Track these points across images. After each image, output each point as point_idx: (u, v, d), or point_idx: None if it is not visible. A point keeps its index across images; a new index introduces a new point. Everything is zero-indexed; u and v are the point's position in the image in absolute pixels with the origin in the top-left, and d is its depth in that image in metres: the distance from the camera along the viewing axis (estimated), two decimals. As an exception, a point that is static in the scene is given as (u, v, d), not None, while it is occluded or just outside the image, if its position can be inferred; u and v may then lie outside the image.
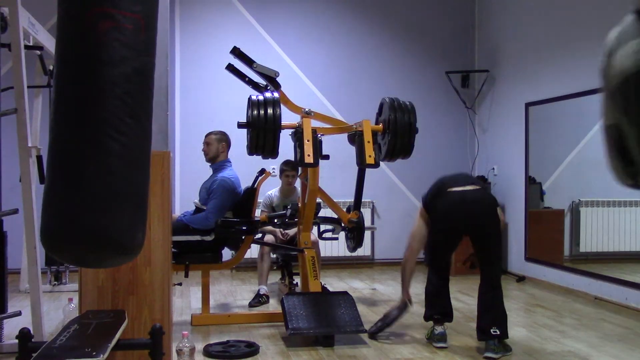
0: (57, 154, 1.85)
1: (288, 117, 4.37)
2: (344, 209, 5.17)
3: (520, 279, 6.49)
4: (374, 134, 4.35)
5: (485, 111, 7.48)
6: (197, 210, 4.71)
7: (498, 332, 3.75)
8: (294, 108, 4.49)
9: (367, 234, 6.84)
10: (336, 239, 5.53)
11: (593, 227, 6.02)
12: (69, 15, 1.84)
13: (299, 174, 5.02)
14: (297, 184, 5.45)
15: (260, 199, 5.47)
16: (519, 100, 6.72)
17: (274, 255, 5.67)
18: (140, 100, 1.88)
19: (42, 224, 1.86)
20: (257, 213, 5.01)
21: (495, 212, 3.99)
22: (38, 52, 5.14)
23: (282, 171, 5.59)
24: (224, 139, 4.80)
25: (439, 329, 4.03)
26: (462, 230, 4.04)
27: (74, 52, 1.83)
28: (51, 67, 5.37)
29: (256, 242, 5.00)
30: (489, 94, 7.40)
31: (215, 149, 4.76)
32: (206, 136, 4.85)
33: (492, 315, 3.83)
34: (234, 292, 5.83)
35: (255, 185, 4.78)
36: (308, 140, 4.12)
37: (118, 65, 1.81)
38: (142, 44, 1.87)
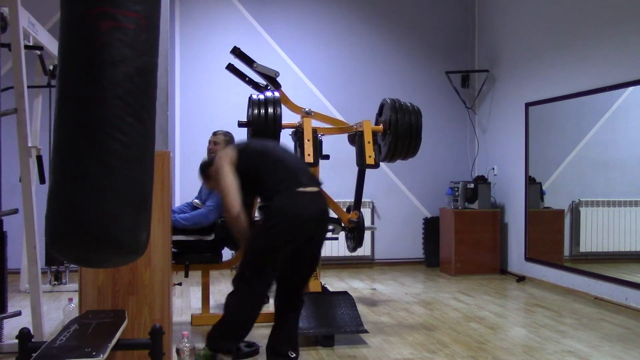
0: (61, 154, 1.85)
1: (288, 117, 4.37)
2: (344, 209, 5.17)
3: (520, 279, 6.49)
4: (374, 134, 4.35)
5: (485, 111, 7.48)
6: (197, 209, 4.71)
7: (294, 355, 3.42)
8: (294, 108, 4.49)
9: (367, 234, 6.85)
10: (336, 239, 5.52)
11: (593, 227, 6.02)
12: (71, 15, 1.84)
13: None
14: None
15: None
16: (519, 100, 6.72)
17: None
18: (143, 100, 1.88)
19: (46, 223, 1.86)
20: (257, 213, 5.00)
21: None
22: (38, 52, 5.14)
23: None
24: (230, 140, 4.80)
25: None
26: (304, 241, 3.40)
27: (76, 52, 1.83)
28: (51, 67, 5.37)
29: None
30: (489, 94, 7.40)
31: (223, 148, 4.75)
32: (214, 134, 4.83)
33: (288, 336, 3.47)
34: (234, 292, 5.82)
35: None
36: (308, 140, 4.12)
37: (120, 65, 1.81)
38: (143, 43, 1.87)
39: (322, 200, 3.50)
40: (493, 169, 7.24)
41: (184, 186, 6.73)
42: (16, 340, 2.64)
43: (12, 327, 4.04)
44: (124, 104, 1.82)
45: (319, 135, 4.40)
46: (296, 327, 3.57)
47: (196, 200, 4.82)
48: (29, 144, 3.70)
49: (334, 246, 6.91)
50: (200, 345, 3.91)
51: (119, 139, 1.81)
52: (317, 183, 3.53)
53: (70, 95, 1.84)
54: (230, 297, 3.34)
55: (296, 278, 3.50)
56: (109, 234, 1.82)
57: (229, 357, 3.34)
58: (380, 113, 4.62)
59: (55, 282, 5.77)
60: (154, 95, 1.96)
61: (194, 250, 4.56)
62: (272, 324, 3.55)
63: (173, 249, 3.70)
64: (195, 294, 5.47)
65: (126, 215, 1.85)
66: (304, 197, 3.34)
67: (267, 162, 3.49)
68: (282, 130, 4.17)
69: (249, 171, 3.43)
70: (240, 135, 4.50)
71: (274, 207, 3.28)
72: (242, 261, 3.40)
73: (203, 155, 4.95)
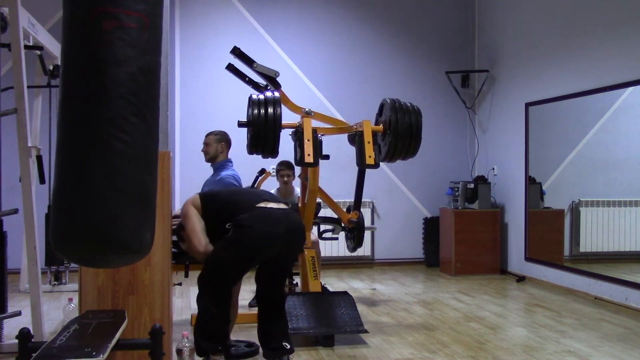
0: (64, 154, 1.85)
1: (288, 117, 4.37)
2: (344, 209, 5.17)
3: (520, 279, 6.49)
4: (374, 134, 4.34)
5: (485, 111, 7.48)
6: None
7: (289, 346, 3.45)
8: (294, 108, 4.49)
9: (367, 234, 6.85)
10: (336, 239, 5.53)
11: (593, 227, 6.02)
12: (73, 15, 1.84)
13: (299, 174, 5.02)
14: (297, 183, 5.45)
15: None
16: (519, 100, 6.72)
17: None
18: (146, 100, 1.87)
19: (50, 223, 1.86)
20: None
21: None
22: (38, 52, 5.14)
23: (277, 171, 5.60)
24: (223, 139, 4.79)
25: None
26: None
27: (78, 52, 1.83)
28: (51, 67, 5.37)
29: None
30: (489, 94, 7.40)
31: (215, 149, 4.75)
32: (206, 136, 4.84)
33: (279, 330, 3.51)
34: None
35: (255, 185, 4.78)
36: (308, 140, 4.12)
37: (122, 64, 1.81)
38: (146, 43, 1.86)
39: (290, 217, 3.48)
40: (493, 169, 7.24)
41: (184, 186, 6.73)
42: (16, 340, 2.63)
43: (12, 327, 4.04)
44: (127, 103, 1.82)
45: (319, 135, 4.39)
46: (284, 320, 3.57)
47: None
48: (29, 144, 3.70)
49: (334, 246, 6.91)
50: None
51: (122, 139, 1.81)
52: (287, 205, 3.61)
53: (73, 95, 1.84)
54: (198, 298, 3.41)
55: (269, 281, 3.54)
56: (113, 234, 1.82)
57: (220, 356, 3.34)
58: (380, 113, 4.62)
59: (55, 282, 5.77)
60: (157, 94, 1.96)
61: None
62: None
63: (173, 249, 3.70)
64: (195, 293, 5.46)
65: (130, 215, 1.84)
66: (267, 214, 3.40)
67: (232, 199, 3.61)
68: (282, 130, 4.17)
69: (216, 212, 3.52)
70: (241, 135, 4.50)
71: (237, 224, 3.35)
72: (204, 267, 3.46)
73: (202, 155, 4.95)
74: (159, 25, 1.95)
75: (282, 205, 3.52)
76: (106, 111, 1.80)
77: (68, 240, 1.83)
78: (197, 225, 3.47)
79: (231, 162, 4.83)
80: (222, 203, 3.56)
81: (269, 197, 3.59)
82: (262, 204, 3.43)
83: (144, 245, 1.92)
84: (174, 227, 4.06)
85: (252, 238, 3.33)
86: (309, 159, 4.06)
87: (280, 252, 3.42)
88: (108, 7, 1.79)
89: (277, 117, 4.08)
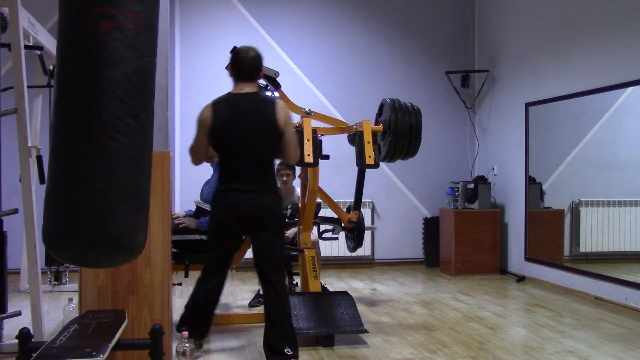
0: (59, 154, 1.85)
1: (288, 117, 4.36)
2: (344, 209, 5.17)
3: (520, 279, 6.49)
4: (374, 134, 4.34)
5: (485, 111, 7.48)
6: (198, 209, 4.71)
7: (291, 352, 3.43)
8: (294, 108, 4.49)
9: (367, 234, 6.85)
10: (336, 239, 5.53)
11: (593, 227, 6.02)
12: (69, 15, 1.84)
13: (299, 174, 5.02)
14: (297, 183, 5.45)
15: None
16: (519, 100, 6.72)
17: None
18: (141, 101, 1.88)
19: (43, 223, 1.86)
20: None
21: None
22: (38, 52, 5.14)
23: (277, 171, 5.59)
24: None
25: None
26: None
27: (74, 52, 1.83)
28: (51, 67, 5.36)
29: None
30: (489, 94, 7.40)
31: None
32: None
33: (282, 333, 3.51)
34: (234, 292, 5.83)
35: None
36: (308, 140, 4.12)
37: (118, 65, 1.81)
38: (142, 44, 1.86)
39: (254, 198, 3.52)
40: (493, 169, 7.24)
41: (184, 186, 6.74)
42: (16, 340, 2.64)
43: (12, 327, 4.04)
44: (123, 104, 1.82)
45: (319, 135, 4.40)
46: (288, 322, 3.55)
47: (197, 199, 4.82)
48: (29, 144, 3.70)
49: (334, 246, 6.91)
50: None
51: (117, 139, 1.81)
52: (261, 180, 3.56)
53: (68, 96, 1.84)
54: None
55: (261, 263, 3.61)
56: (106, 234, 1.82)
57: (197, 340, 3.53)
58: (380, 113, 4.62)
59: (55, 282, 5.77)
60: (153, 95, 1.96)
61: (194, 250, 4.56)
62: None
63: (173, 249, 3.70)
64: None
65: (123, 215, 1.85)
66: (224, 201, 3.58)
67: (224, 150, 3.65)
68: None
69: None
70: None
71: (212, 203, 3.67)
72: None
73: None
74: (155, 26, 1.95)
75: (251, 187, 3.50)
76: (102, 112, 1.80)
77: (61, 240, 1.83)
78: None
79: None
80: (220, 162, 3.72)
81: (242, 177, 3.52)
82: (227, 187, 3.56)
83: (137, 245, 1.93)
84: (181, 225, 4.20)
85: (212, 226, 3.70)
86: (308, 159, 4.06)
87: (246, 233, 3.68)
88: (105, 8, 1.79)
89: (277, 117, 4.07)
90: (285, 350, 3.42)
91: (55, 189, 1.84)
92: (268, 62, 4.51)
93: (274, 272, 3.55)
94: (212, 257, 3.74)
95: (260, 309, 5.08)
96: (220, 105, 3.55)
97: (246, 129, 3.48)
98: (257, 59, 3.65)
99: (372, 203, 7.39)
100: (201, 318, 3.68)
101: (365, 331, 4.13)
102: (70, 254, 1.90)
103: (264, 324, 4.03)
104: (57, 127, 1.86)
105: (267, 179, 3.59)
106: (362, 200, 5.21)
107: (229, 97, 3.59)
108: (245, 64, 3.61)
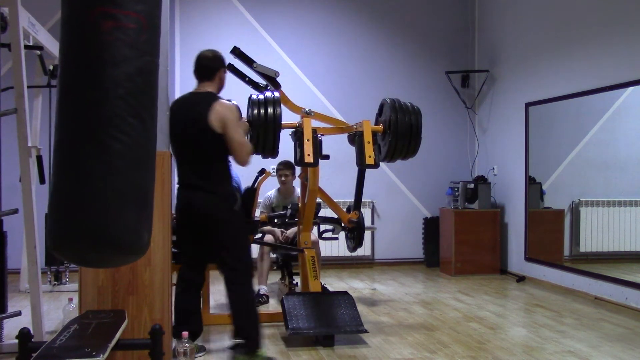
0: (62, 154, 1.85)
1: (288, 117, 4.37)
2: (344, 209, 5.17)
3: (520, 279, 6.49)
4: (374, 134, 4.35)
5: (485, 111, 7.48)
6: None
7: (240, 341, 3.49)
8: (294, 108, 4.49)
9: (367, 234, 6.85)
10: (336, 239, 5.53)
11: (593, 227, 6.02)
12: (71, 15, 1.84)
13: (299, 174, 5.02)
14: (297, 183, 5.45)
15: (260, 199, 5.47)
16: (519, 100, 6.72)
17: (274, 255, 5.67)
18: (143, 100, 1.88)
19: (48, 223, 1.86)
20: (257, 213, 5.01)
21: None
22: (38, 52, 5.14)
23: (277, 171, 5.62)
24: None
25: None
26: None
27: (76, 52, 1.83)
28: (51, 67, 5.37)
29: (256, 242, 5.00)
30: (489, 94, 7.40)
31: None
32: None
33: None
34: (234, 292, 5.82)
35: (255, 186, 4.77)
36: (308, 140, 4.12)
37: (121, 65, 1.81)
38: (144, 43, 1.86)
39: (198, 197, 3.61)
40: (493, 169, 7.24)
41: (184, 186, 6.72)
42: (16, 340, 2.64)
43: (12, 327, 4.04)
44: (125, 104, 1.82)
45: (319, 135, 4.40)
46: (238, 314, 3.54)
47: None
48: (29, 144, 3.70)
49: (334, 246, 6.91)
50: (201, 344, 3.91)
51: (120, 139, 1.81)
52: (205, 180, 3.60)
53: (71, 96, 1.84)
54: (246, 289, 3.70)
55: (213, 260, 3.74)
56: (110, 234, 1.82)
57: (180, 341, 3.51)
58: (380, 113, 4.62)
59: (55, 282, 5.77)
60: (155, 95, 1.96)
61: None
62: (271, 323, 3.60)
63: (173, 249, 3.70)
64: (195, 294, 5.46)
65: (127, 215, 1.84)
66: (182, 193, 3.72)
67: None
68: (282, 130, 4.17)
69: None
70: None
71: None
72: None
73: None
74: (158, 26, 1.95)
75: (195, 186, 3.61)
76: (105, 111, 1.80)
77: (66, 240, 1.83)
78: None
79: (230, 162, 4.83)
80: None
81: (187, 176, 3.68)
82: (178, 184, 3.71)
83: (142, 245, 1.93)
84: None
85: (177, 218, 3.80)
86: (308, 159, 4.06)
87: (198, 232, 3.68)
88: (107, 8, 1.79)
89: (277, 117, 4.08)
90: (238, 341, 3.51)
91: (59, 189, 1.84)
92: (268, 62, 4.51)
93: (223, 269, 3.63)
94: (183, 261, 3.87)
95: (260, 309, 5.08)
96: (174, 105, 3.70)
97: (182, 129, 3.56)
98: (212, 59, 3.75)
99: (372, 203, 7.40)
100: (191, 325, 3.65)
101: (365, 331, 4.13)
102: (74, 255, 1.89)
103: (263, 324, 4.04)
104: (60, 127, 1.86)
105: (212, 179, 3.58)
106: (362, 200, 5.21)
107: (182, 96, 3.79)
108: (197, 63, 3.76)
